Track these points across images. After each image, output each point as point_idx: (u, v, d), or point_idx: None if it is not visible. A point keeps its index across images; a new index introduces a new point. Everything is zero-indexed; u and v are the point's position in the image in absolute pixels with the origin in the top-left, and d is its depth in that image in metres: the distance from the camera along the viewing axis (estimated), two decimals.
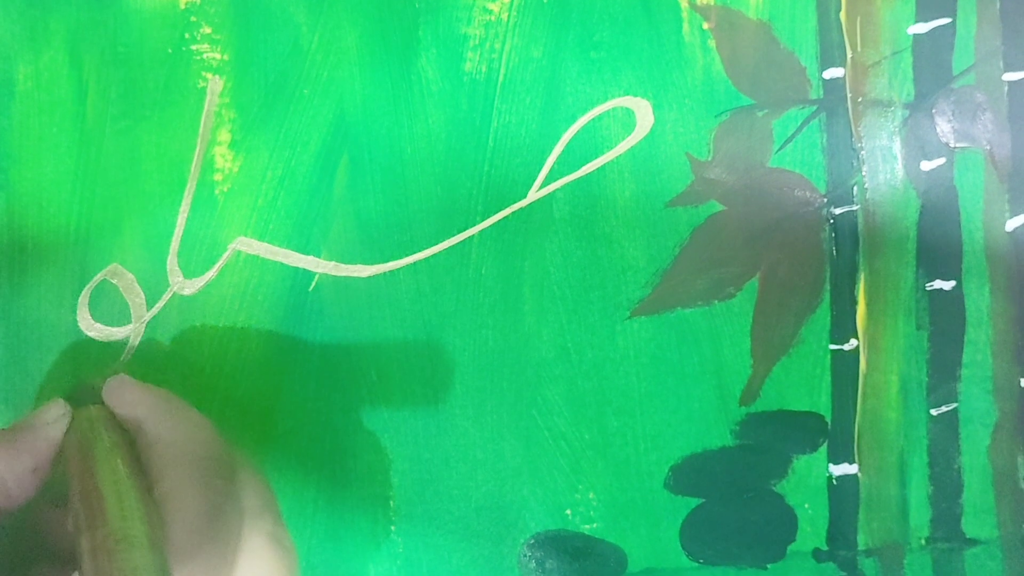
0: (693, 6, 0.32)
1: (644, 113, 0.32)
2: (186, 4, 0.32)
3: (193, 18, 0.32)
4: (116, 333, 0.32)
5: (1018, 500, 0.32)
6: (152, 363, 0.32)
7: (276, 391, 0.32)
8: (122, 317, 0.32)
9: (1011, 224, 0.33)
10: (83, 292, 0.31)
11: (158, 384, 0.31)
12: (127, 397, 0.28)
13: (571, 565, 0.31)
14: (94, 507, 0.24)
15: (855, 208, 0.32)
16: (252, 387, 0.32)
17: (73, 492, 0.25)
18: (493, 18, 0.32)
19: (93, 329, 0.32)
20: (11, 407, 0.31)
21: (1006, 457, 0.33)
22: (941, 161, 0.33)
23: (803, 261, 0.32)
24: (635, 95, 0.32)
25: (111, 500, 0.24)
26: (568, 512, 0.32)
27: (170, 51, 0.32)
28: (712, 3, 0.32)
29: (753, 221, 0.32)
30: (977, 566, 0.32)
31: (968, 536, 0.32)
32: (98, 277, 0.32)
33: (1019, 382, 0.33)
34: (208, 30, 0.32)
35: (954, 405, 0.33)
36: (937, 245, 0.33)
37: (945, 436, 0.33)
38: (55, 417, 0.27)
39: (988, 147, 0.33)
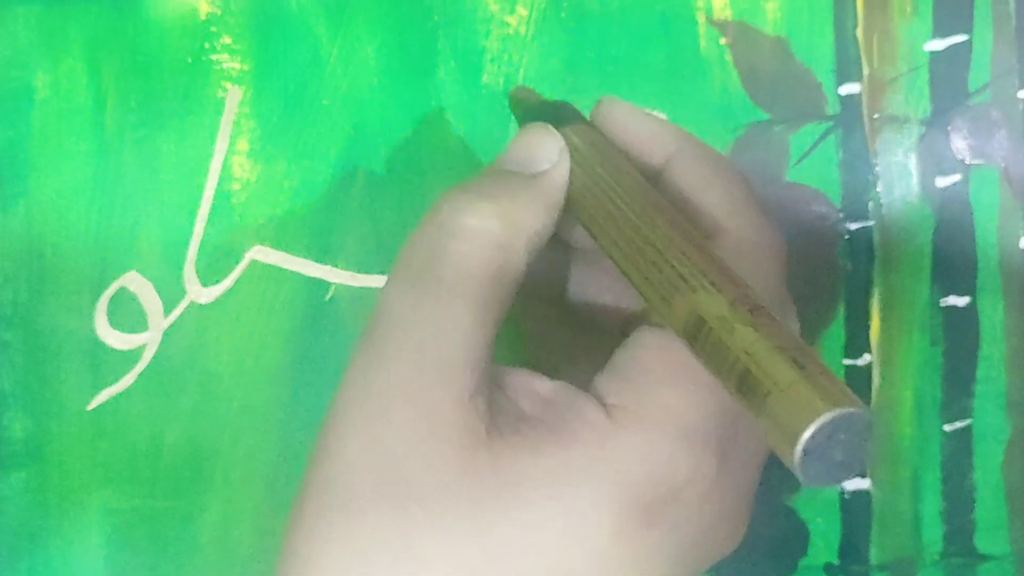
0: (710, 21, 0.32)
1: None
2: (207, 14, 0.32)
3: (213, 28, 0.32)
4: (133, 340, 0.32)
5: None
6: (169, 371, 0.32)
7: (294, 400, 0.32)
8: (139, 324, 0.32)
9: None
10: (100, 299, 0.32)
11: (174, 394, 0.32)
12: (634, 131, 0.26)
13: None
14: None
15: (870, 224, 0.32)
16: (270, 395, 0.32)
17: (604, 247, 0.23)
18: (511, 32, 0.32)
19: (110, 336, 0.32)
20: (28, 413, 0.32)
21: (1019, 473, 0.32)
22: (957, 178, 0.33)
23: (818, 275, 0.32)
24: (652, 109, 0.32)
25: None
26: None
27: (190, 60, 0.32)
28: (729, 18, 0.33)
29: None
30: None
31: (981, 552, 0.32)
32: (116, 284, 0.32)
33: None
34: (228, 40, 0.32)
35: (968, 421, 0.32)
36: (952, 261, 0.33)
37: (959, 452, 0.33)
38: (558, 151, 0.24)
39: (1003, 164, 0.33)
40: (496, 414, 0.22)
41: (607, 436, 0.21)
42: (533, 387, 0.23)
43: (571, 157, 0.24)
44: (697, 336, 0.20)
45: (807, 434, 0.18)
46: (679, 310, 0.21)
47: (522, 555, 0.21)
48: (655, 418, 0.22)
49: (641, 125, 0.26)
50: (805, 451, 0.18)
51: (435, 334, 0.22)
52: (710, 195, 0.25)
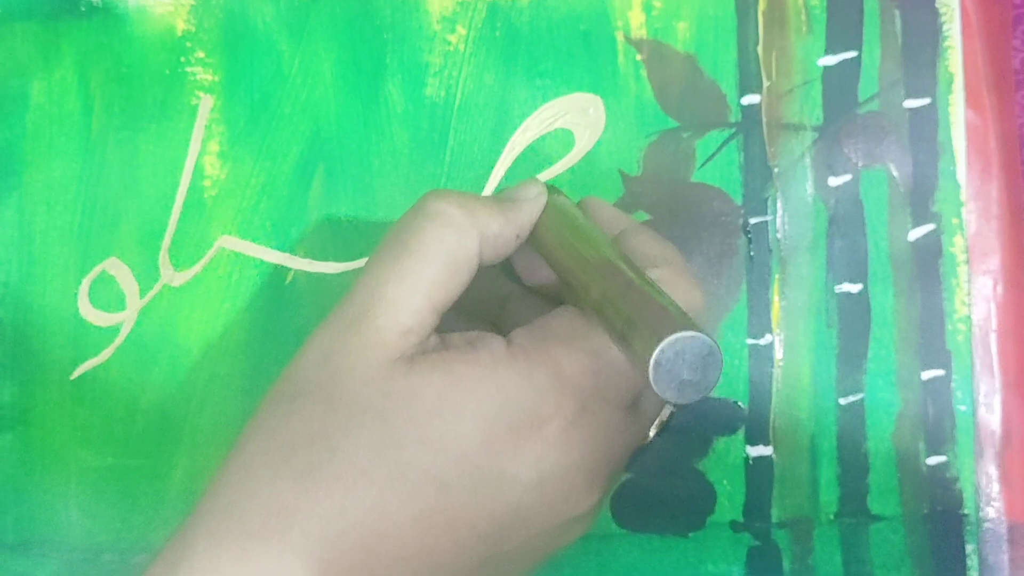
0: (628, 40, 0.36)
1: (583, 134, 0.36)
2: (183, 31, 0.35)
3: (188, 44, 0.35)
4: (112, 318, 0.35)
5: (919, 481, 0.35)
6: (144, 345, 0.35)
7: (255, 371, 0.35)
8: (118, 304, 0.35)
9: (913, 234, 0.36)
10: (84, 281, 0.35)
11: (148, 366, 0.35)
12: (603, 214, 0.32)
13: None
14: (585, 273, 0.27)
15: (769, 218, 0.36)
16: (234, 367, 0.35)
17: (555, 265, 0.29)
18: (452, 48, 0.35)
19: (92, 314, 0.35)
20: (16, 381, 0.34)
21: (908, 442, 0.35)
22: (848, 178, 0.36)
23: (721, 264, 0.35)
24: (575, 118, 0.36)
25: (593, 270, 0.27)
26: None
27: (167, 72, 0.35)
28: (644, 37, 0.36)
29: (677, 229, 0.35)
30: (881, 540, 0.35)
31: (873, 513, 0.35)
32: (98, 268, 0.35)
33: (920, 376, 0.35)
34: (202, 54, 0.35)
35: (861, 395, 0.35)
36: (845, 252, 0.35)
37: (853, 423, 0.35)
38: (536, 193, 0.30)
39: (891, 166, 0.36)
40: (428, 349, 0.27)
41: (500, 362, 0.26)
42: (465, 334, 0.27)
43: (550, 201, 0.30)
44: (607, 297, 0.25)
45: (658, 348, 0.22)
46: (597, 284, 0.26)
47: (416, 460, 0.25)
48: (540, 359, 0.26)
49: (607, 208, 0.33)
50: (656, 363, 0.22)
51: (393, 280, 0.27)
52: (648, 251, 0.30)
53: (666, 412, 0.30)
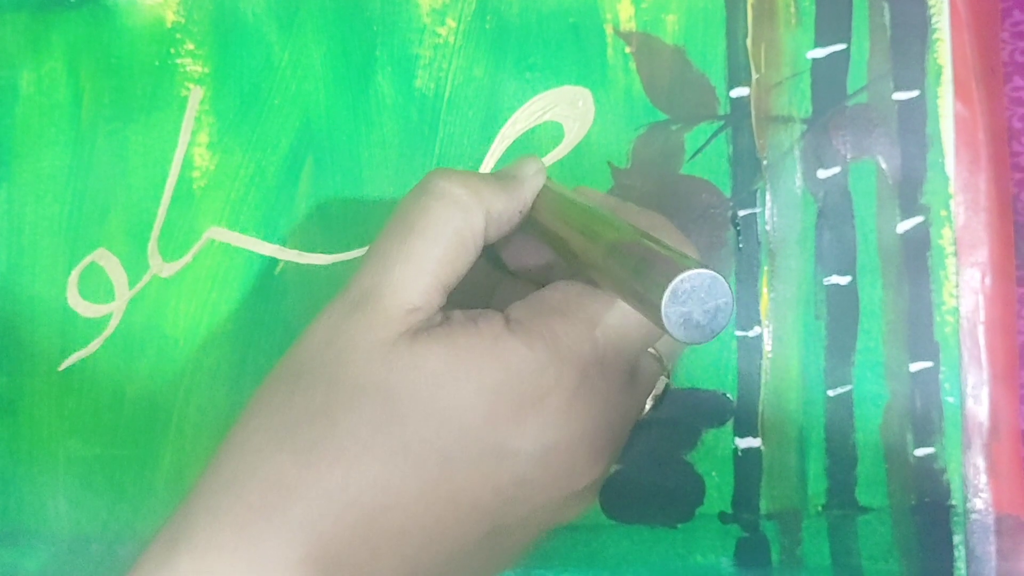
0: (617, 33, 0.36)
1: (572, 127, 0.36)
2: (172, 23, 0.35)
3: (178, 35, 0.35)
4: (101, 309, 0.35)
5: (907, 473, 0.35)
6: (133, 336, 0.35)
7: (242, 362, 0.34)
8: (107, 295, 0.35)
9: (902, 227, 0.35)
10: (73, 272, 0.35)
11: (137, 357, 0.35)
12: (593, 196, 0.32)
13: None
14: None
15: (757, 211, 0.35)
16: (221, 358, 0.35)
17: (554, 238, 0.29)
18: (441, 41, 0.35)
19: (80, 305, 0.35)
20: (4, 372, 0.34)
21: (896, 434, 0.35)
22: (836, 170, 0.35)
23: (710, 256, 0.35)
24: (566, 110, 0.36)
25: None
26: None
27: (157, 63, 0.35)
28: (634, 30, 0.36)
29: None
30: (869, 531, 0.35)
31: (861, 504, 0.35)
32: (87, 259, 0.35)
33: (908, 368, 0.35)
34: (191, 46, 0.35)
35: (849, 387, 0.35)
36: (833, 244, 0.35)
37: (841, 415, 0.35)
38: (535, 170, 0.30)
39: (880, 158, 0.36)
40: (432, 325, 0.26)
41: (500, 336, 0.26)
42: (466, 311, 0.27)
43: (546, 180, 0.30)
44: (617, 246, 0.25)
45: (678, 278, 0.22)
46: (608, 239, 0.26)
47: (420, 434, 0.25)
48: (539, 331, 0.26)
49: (596, 193, 0.33)
50: (672, 294, 0.22)
51: (400, 261, 0.27)
52: (641, 221, 0.29)
53: (661, 385, 0.30)
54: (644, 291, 0.23)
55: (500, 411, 0.25)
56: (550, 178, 0.31)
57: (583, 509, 0.28)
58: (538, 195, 0.30)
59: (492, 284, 0.31)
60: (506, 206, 0.29)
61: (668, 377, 0.30)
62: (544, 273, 0.28)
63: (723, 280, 0.23)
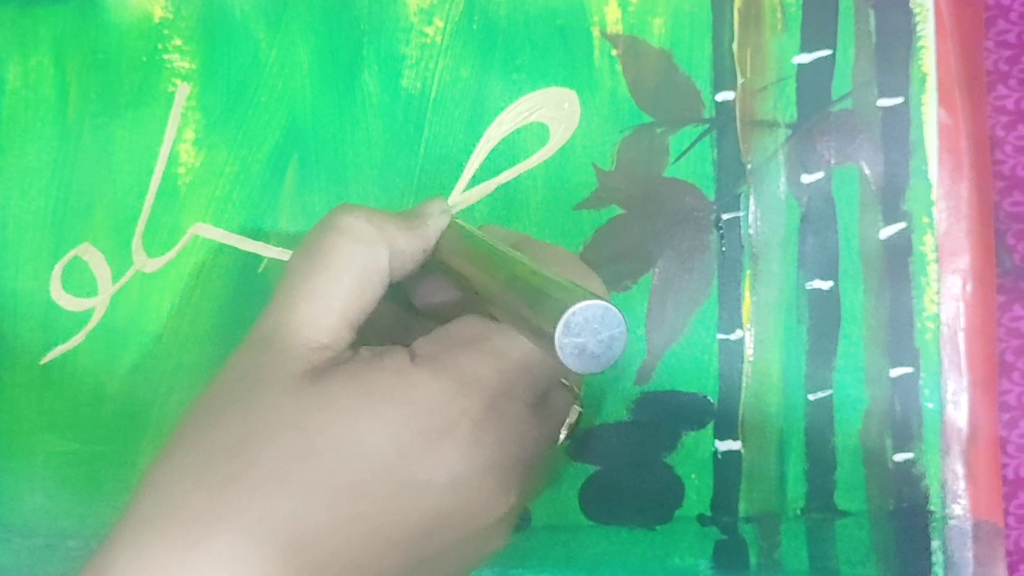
0: (604, 35, 0.35)
1: (558, 128, 0.35)
2: (160, 19, 0.35)
3: (166, 31, 0.35)
4: (84, 304, 0.34)
5: (886, 477, 0.34)
6: (115, 331, 0.34)
7: (224, 359, 0.34)
8: (90, 290, 0.34)
9: (884, 233, 0.35)
10: (56, 266, 0.34)
11: (119, 352, 0.34)
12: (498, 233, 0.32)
13: None
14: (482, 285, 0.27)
15: (741, 214, 0.35)
16: (203, 355, 0.34)
17: (457, 276, 0.29)
18: (428, 40, 0.35)
19: (63, 299, 0.34)
20: None
21: (876, 439, 0.35)
22: (820, 175, 0.35)
23: (693, 259, 0.35)
24: (551, 112, 0.35)
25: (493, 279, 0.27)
26: None
27: (144, 59, 0.35)
28: (620, 33, 0.35)
29: (649, 223, 0.35)
30: (847, 535, 0.34)
31: (840, 508, 0.34)
32: (71, 253, 0.34)
33: (888, 373, 0.35)
34: (179, 42, 0.35)
35: (829, 392, 0.35)
36: (816, 249, 0.35)
37: (821, 419, 0.35)
38: (440, 210, 0.30)
39: (863, 164, 0.35)
40: (340, 362, 0.26)
41: (406, 370, 0.26)
42: (373, 348, 0.27)
43: (451, 219, 0.30)
44: (514, 279, 0.26)
45: (569, 311, 0.23)
46: (505, 273, 0.26)
47: (333, 468, 0.25)
48: (443, 365, 0.26)
49: (501, 230, 0.33)
50: (565, 326, 0.23)
51: (306, 299, 0.27)
52: (543, 255, 0.30)
53: (574, 414, 0.30)
54: (539, 324, 0.24)
55: (409, 444, 0.25)
56: (456, 218, 0.31)
57: (502, 543, 0.28)
58: (444, 234, 0.30)
59: (406, 325, 0.31)
60: (410, 243, 0.29)
61: (581, 407, 0.30)
62: (454, 312, 0.28)
63: (616, 310, 0.23)
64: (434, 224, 0.30)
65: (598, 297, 0.23)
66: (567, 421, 0.30)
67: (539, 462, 0.29)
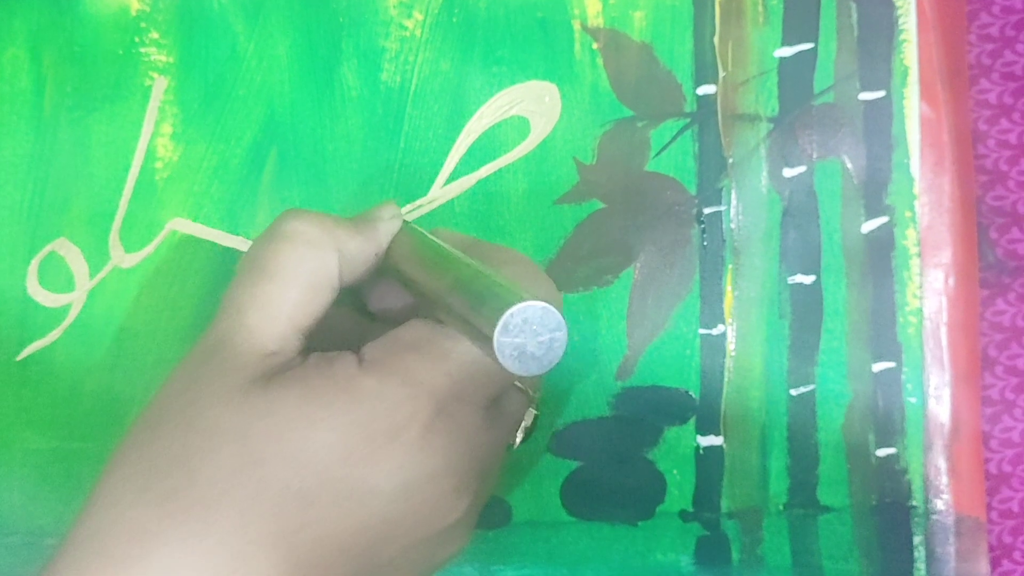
0: (584, 28, 0.35)
1: (538, 122, 0.35)
2: (137, 11, 0.34)
3: (143, 24, 0.34)
4: (61, 299, 0.34)
5: (868, 473, 0.34)
6: (92, 326, 0.34)
7: None
8: (67, 285, 0.34)
9: (866, 227, 0.35)
10: (33, 261, 0.34)
11: (96, 348, 0.34)
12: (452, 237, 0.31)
13: None
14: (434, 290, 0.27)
15: (723, 209, 0.35)
16: (181, 351, 0.33)
17: (408, 280, 0.28)
18: (408, 34, 0.35)
19: (40, 295, 0.34)
20: None
21: (858, 434, 0.34)
22: (802, 169, 0.35)
23: (675, 254, 0.34)
24: (531, 105, 0.35)
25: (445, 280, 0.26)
26: None
27: (121, 52, 0.34)
28: (601, 26, 0.35)
29: (630, 218, 0.34)
30: (830, 531, 0.34)
31: (822, 503, 0.34)
32: (47, 249, 0.34)
33: (871, 368, 0.34)
34: (156, 35, 0.34)
35: (812, 387, 0.34)
36: (798, 243, 0.35)
37: (803, 414, 0.34)
38: (391, 215, 0.30)
39: (845, 158, 0.35)
40: (288, 368, 0.26)
41: (353, 377, 0.25)
42: (322, 353, 0.27)
43: (404, 224, 0.30)
44: (458, 282, 0.25)
45: (507, 313, 0.23)
46: (450, 276, 0.26)
47: (278, 477, 0.24)
48: (391, 368, 0.26)
49: (455, 234, 0.32)
50: (504, 327, 0.23)
51: (255, 306, 0.27)
52: (494, 256, 0.29)
53: (530, 417, 0.30)
54: (480, 325, 0.24)
55: (356, 450, 0.25)
56: (409, 222, 0.30)
57: (458, 548, 0.28)
58: (395, 239, 0.29)
59: (361, 330, 0.30)
60: (360, 247, 0.28)
61: (536, 409, 0.30)
62: (408, 317, 0.28)
63: (555, 311, 0.23)
64: (384, 228, 0.29)
65: (537, 298, 0.23)
66: (522, 424, 0.29)
67: (493, 466, 0.28)
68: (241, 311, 0.27)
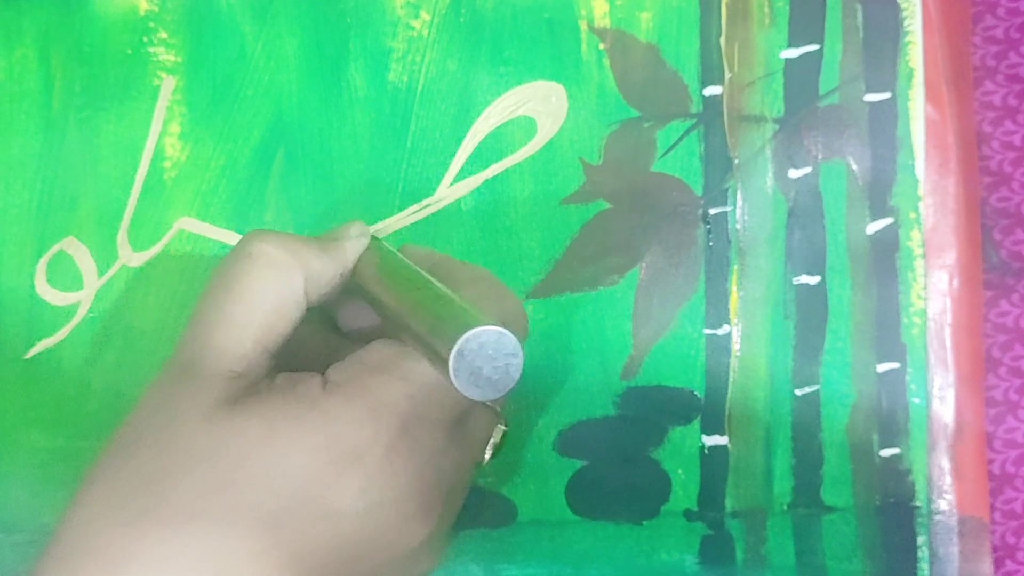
0: (591, 29, 0.35)
1: (545, 122, 0.35)
2: (145, 11, 0.34)
3: (151, 24, 0.34)
4: (69, 298, 0.34)
5: (872, 473, 0.34)
6: (100, 326, 0.34)
7: None
8: (75, 284, 0.34)
9: (871, 228, 0.35)
10: (41, 260, 0.34)
11: (103, 347, 0.34)
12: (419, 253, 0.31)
13: (464, 515, 0.33)
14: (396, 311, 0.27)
15: (728, 209, 0.35)
16: None
17: (374, 300, 0.28)
18: (415, 34, 0.35)
19: (48, 293, 0.34)
20: None
21: (862, 434, 0.34)
22: (808, 170, 0.35)
23: (680, 254, 0.34)
24: (538, 106, 0.35)
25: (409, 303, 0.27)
26: None
27: (129, 52, 0.34)
28: (608, 27, 0.35)
29: (636, 218, 0.34)
30: (833, 531, 0.34)
31: (826, 504, 0.34)
32: (55, 247, 0.34)
33: (875, 368, 0.34)
34: (164, 35, 0.34)
35: (816, 387, 0.34)
36: (803, 244, 0.35)
37: (808, 414, 0.34)
38: (358, 233, 0.30)
39: (850, 159, 0.35)
40: (255, 391, 0.26)
41: (318, 399, 0.26)
42: (289, 375, 0.27)
43: (372, 242, 0.30)
44: (417, 305, 0.26)
45: (462, 338, 0.23)
46: (412, 298, 0.26)
47: (246, 499, 0.24)
48: (354, 392, 0.26)
49: (423, 250, 0.32)
50: (459, 354, 0.23)
51: (221, 328, 0.27)
52: (461, 274, 0.30)
53: (499, 434, 0.30)
54: (438, 348, 0.24)
55: (321, 472, 0.25)
56: (378, 240, 0.30)
57: (428, 568, 0.28)
58: (362, 257, 0.30)
59: (331, 348, 0.30)
60: (326, 267, 0.28)
61: (506, 425, 0.30)
62: (377, 336, 0.28)
63: (511, 336, 0.23)
64: (351, 247, 0.29)
65: (497, 321, 0.23)
66: (491, 440, 0.29)
67: (460, 484, 0.28)
68: (209, 332, 0.27)
